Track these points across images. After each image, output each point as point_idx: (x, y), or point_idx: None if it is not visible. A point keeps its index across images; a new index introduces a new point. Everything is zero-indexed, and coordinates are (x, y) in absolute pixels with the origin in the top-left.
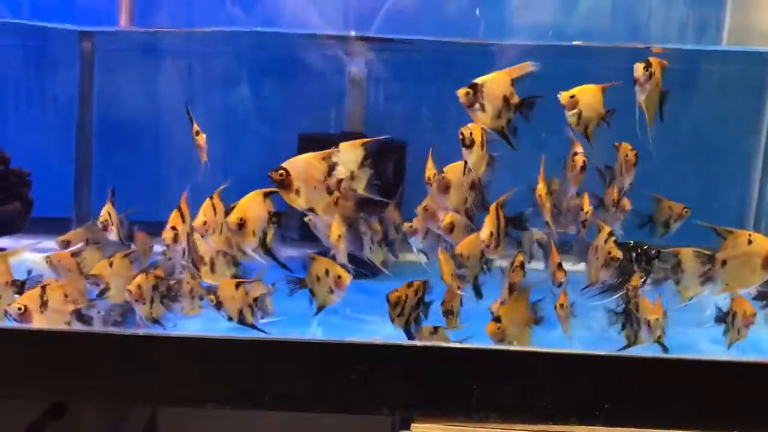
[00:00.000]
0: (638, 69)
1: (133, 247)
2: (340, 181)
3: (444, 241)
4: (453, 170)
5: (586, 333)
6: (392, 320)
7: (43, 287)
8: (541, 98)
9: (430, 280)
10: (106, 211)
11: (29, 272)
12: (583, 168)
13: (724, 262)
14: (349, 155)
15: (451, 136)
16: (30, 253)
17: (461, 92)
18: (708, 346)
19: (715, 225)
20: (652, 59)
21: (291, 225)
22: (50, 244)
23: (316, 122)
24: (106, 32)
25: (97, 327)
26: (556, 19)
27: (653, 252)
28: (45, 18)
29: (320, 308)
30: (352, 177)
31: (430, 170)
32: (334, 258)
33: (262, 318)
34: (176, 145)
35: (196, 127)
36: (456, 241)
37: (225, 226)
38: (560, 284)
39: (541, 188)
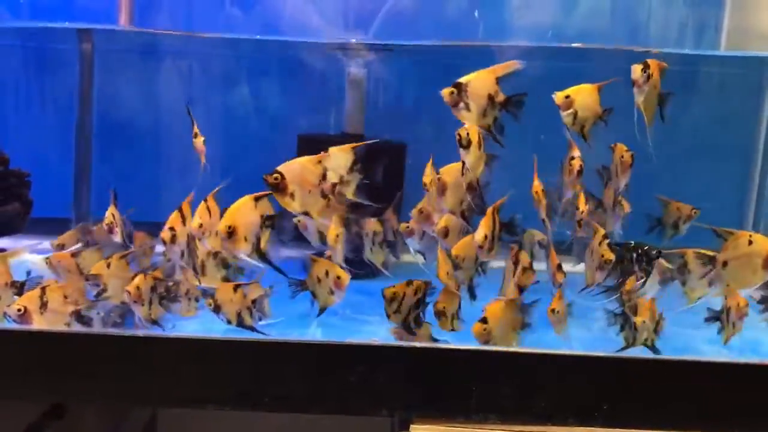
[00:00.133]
0: (636, 71)
1: (132, 248)
2: (334, 185)
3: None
4: (449, 171)
5: (585, 334)
6: (388, 316)
7: (43, 288)
8: (527, 95)
9: (431, 282)
10: (110, 213)
11: (28, 273)
12: (580, 172)
13: (725, 263)
14: (338, 160)
15: (450, 137)
16: (29, 254)
17: (445, 92)
18: (711, 347)
19: (715, 226)
20: (650, 61)
21: (286, 227)
22: (50, 245)
23: (316, 123)
24: (105, 32)
25: (97, 328)
26: (555, 20)
27: (654, 252)
28: (45, 18)
29: (322, 309)
30: (342, 181)
31: (427, 176)
32: (329, 259)
33: (260, 320)
34: (176, 146)
35: (195, 129)
36: (451, 244)
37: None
38: (560, 285)
39: (537, 185)
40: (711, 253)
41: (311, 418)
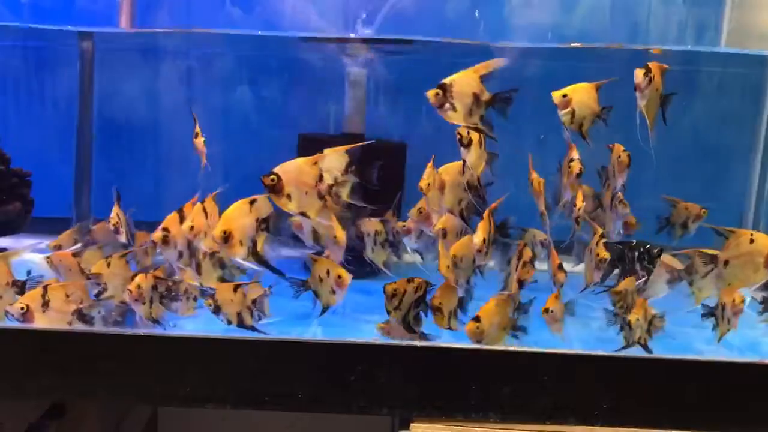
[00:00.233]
0: (638, 75)
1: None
2: (331, 186)
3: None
4: (448, 170)
5: (585, 332)
6: (388, 312)
7: (45, 287)
8: (515, 92)
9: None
10: (116, 213)
11: (29, 272)
12: (579, 175)
13: (726, 262)
14: (333, 161)
15: (451, 137)
16: (31, 254)
17: (430, 93)
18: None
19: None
20: (652, 64)
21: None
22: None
23: (317, 123)
24: (106, 32)
25: (98, 327)
26: (555, 20)
27: (655, 251)
28: (45, 18)
29: (324, 309)
30: (337, 182)
31: (424, 180)
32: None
33: (260, 319)
34: (176, 146)
35: (196, 129)
36: (449, 245)
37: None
38: (561, 285)
39: (535, 177)
40: (713, 252)
41: (312, 417)
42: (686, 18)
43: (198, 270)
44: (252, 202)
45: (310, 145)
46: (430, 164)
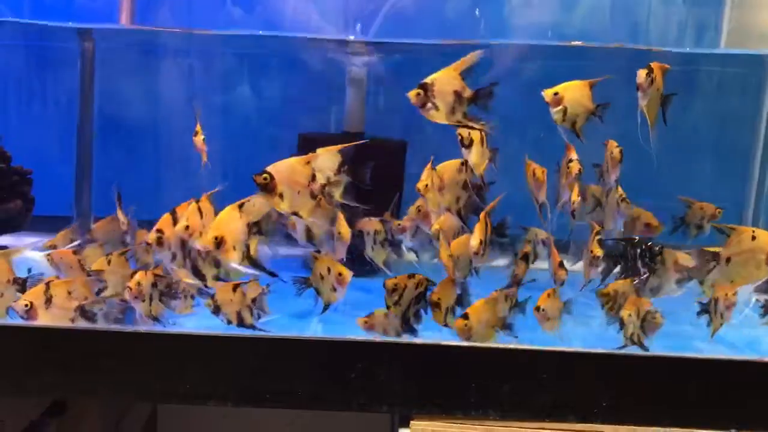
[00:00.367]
0: (641, 75)
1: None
2: (324, 186)
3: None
4: (446, 168)
5: (585, 331)
6: (388, 307)
7: (47, 284)
8: (496, 86)
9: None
10: (122, 215)
11: (29, 270)
12: (578, 176)
13: (728, 259)
14: (326, 161)
15: (451, 135)
16: (31, 251)
17: (411, 94)
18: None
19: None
20: (653, 64)
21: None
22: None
23: (317, 122)
24: (106, 31)
25: (99, 324)
26: (555, 19)
27: (657, 248)
28: (46, 17)
29: (326, 306)
30: (329, 182)
31: (422, 182)
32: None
33: (259, 318)
34: (177, 144)
35: (197, 128)
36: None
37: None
38: (562, 283)
39: (536, 168)
40: (716, 250)
41: (312, 414)
42: (686, 18)
43: (195, 270)
44: (242, 206)
45: (310, 145)
46: (428, 166)
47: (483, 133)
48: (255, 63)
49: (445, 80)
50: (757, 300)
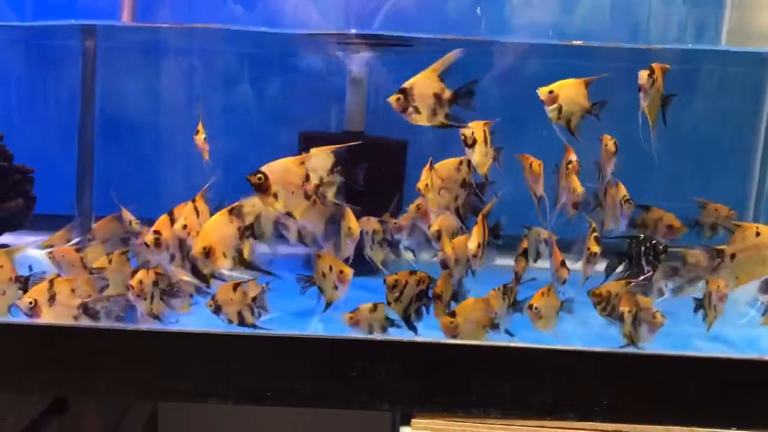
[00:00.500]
0: (642, 76)
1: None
2: (318, 186)
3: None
4: (445, 167)
5: (586, 330)
6: (388, 303)
7: (51, 281)
8: (475, 84)
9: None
10: (131, 217)
11: (30, 268)
12: (578, 172)
13: (733, 256)
14: (319, 161)
15: (453, 135)
16: (34, 250)
17: (392, 99)
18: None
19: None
20: (654, 65)
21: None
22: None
23: (318, 121)
24: (108, 29)
25: (101, 322)
26: (556, 19)
27: (661, 247)
28: (47, 15)
29: (328, 304)
30: (322, 182)
31: (422, 182)
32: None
33: (260, 316)
34: (178, 143)
35: (199, 127)
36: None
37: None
38: (564, 282)
39: (533, 161)
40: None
41: (313, 413)
42: (686, 17)
43: (194, 270)
44: (230, 212)
45: (311, 144)
46: (427, 167)
47: (486, 132)
48: (255, 61)
49: (424, 83)
50: (762, 302)
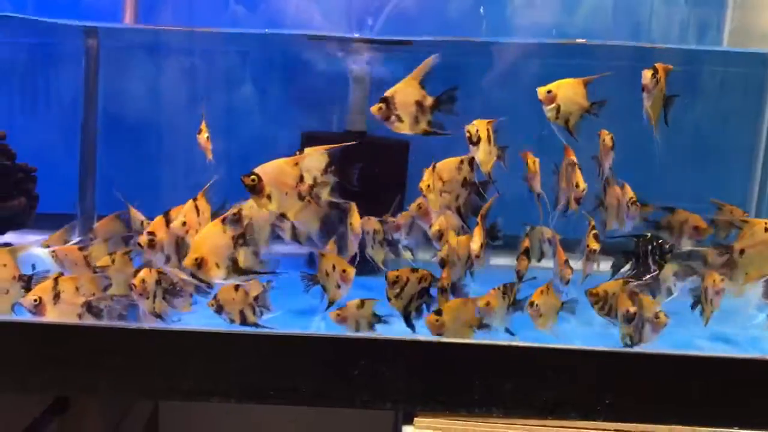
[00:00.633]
0: (646, 76)
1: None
2: (311, 187)
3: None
4: (446, 167)
5: (586, 329)
6: (389, 299)
7: (56, 279)
8: (456, 90)
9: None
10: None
11: (33, 266)
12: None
13: (742, 251)
14: (313, 162)
15: (454, 136)
16: (38, 248)
17: (374, 109)
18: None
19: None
20: (658, 65)
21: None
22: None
23: (320, 120)
24: (111, 29)
25: (104, 321)
26: (558, 19)
27: (667, 247)
28: (50, 14)
29: (331, 303)
30: (316, 183)
31: (425, 182)
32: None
33: (262, 315)
34: (181, 142)
35: (202, 126)
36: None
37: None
38: (567, 281)
39: (529, 158)
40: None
41: (315, 412)
42: (688, 17)
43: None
44: (223, 221)
45: (314, 143)
46: (429, 168)
47: (490, 130)
48: (258, 61)
49: (405, 91)
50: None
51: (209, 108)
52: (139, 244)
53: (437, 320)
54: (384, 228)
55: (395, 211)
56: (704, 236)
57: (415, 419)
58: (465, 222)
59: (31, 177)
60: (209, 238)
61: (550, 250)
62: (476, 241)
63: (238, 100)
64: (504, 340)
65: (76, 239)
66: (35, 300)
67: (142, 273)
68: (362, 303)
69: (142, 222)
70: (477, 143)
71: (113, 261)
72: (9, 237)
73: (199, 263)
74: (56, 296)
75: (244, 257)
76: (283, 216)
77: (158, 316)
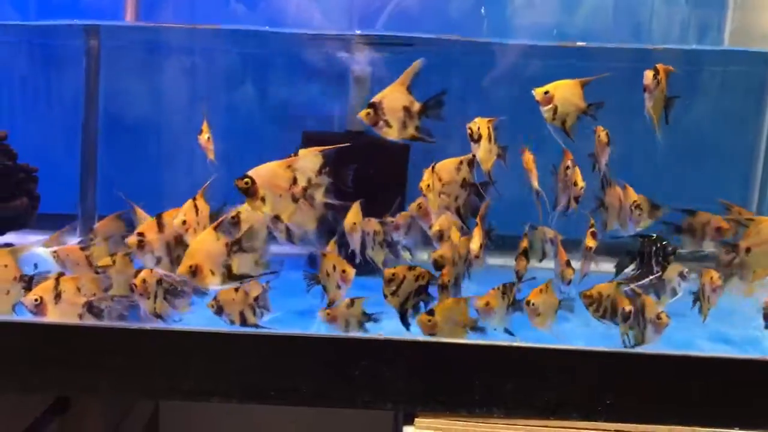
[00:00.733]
0: (648, 76)
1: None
2: (305, 189)
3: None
4: (445, 167)
5: (587, 330)
6: (385, 296)
7: (57, 279)
8: (444, 95)
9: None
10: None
11: (36, 266)
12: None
13: (748, 250)
14: (307, 163)
15: (455, 137)
16: (39, 248)
17: (362, 114)
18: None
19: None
20: (659, 66)
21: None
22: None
23: (320, 121)
24: (111, 28)
25: (105, 321)
26: (558, 19)
27: (670, 249)
28: (51, 14)
29: (330, 303)
30: (311, 184)
31: (425, 181)
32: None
33: (262, 315)
34: (182, 142)
35: (203, 126)
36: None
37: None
38: (569, 282)
39: (525, 155)
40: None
41: (316, 412)
42: (689, 18)
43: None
44: (216, 228)
45: (314, 143)
46: (429, 169)
47: (490, 128)
48: (258, 61)
49: (393, 97)
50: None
51: (210, 108)
52: (128, 245)
53: (429, 320)
54: (384, 229)
55: (395, 212)
56: (727, 236)
57: (416, 419)
58: (465, 223)
59: (32, 177)
60: (201, 248)
61: (552, 250)
62: (476, 242)
63: (237, 99)
64: (504, 341)
65: (75, 239)
66: (36, 300)
67: (143, 273)
68: (352, 302)
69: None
70: (478, 141)
71: (114, 261)
72: (11, 237)
73: (194, 271)
74: (57, 296)
75: (239, 262)
76: (277, 218)
77: (159, 316)
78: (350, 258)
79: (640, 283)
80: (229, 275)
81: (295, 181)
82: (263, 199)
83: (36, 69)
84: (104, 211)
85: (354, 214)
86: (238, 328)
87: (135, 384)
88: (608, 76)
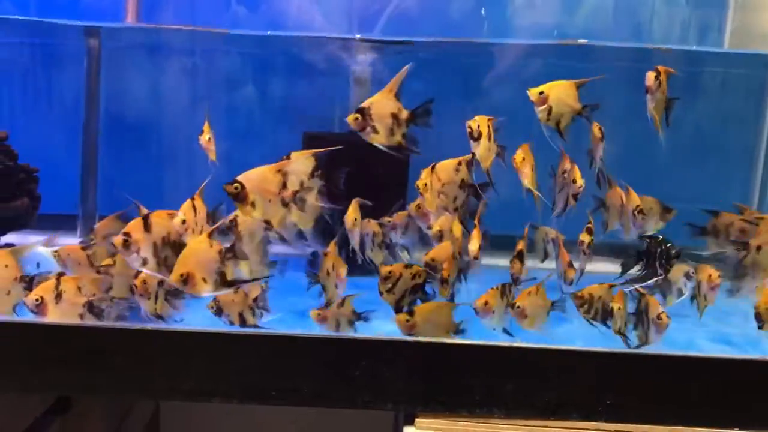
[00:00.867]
0: (650, 78)
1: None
2: (295, 193)
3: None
4: (444, 168)
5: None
6: (380, 293)
7: (58, 279)
8: (431, 103)
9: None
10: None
11: (38, 265)
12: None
13: (758, 248)
14: (299, 166)
15: (454, 136)
16: (41, 248)
17: (350, 119)
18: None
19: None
20: (660, 68)
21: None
22: (61, 240)
23: (321, 121)
24: (112, 29)
25: (105, 321)
26: (559, 20)
27: (674, 251)
28: (52, 15)
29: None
30: (303, 187)
31: (422, 180)
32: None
33: (261, 316)
34: (182, 143)
35: (204, 127)
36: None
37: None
38: (571, 282)
39: (518, 153)
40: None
41: (316, 412)
42: (689, 19)
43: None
44: (210, 235)
45: (315, 143)
46: (428, 168)
47: (491, 127)
48: (259, 62)
49: (381, 103)
50: None
51: (210, 108)
52: (113, 244)
53: (407, 320)
54: (383, 230)
55: (394, 213)
56: (747, 236)
57: (416, 420)
58: (463, 223)
59: (33, 177)
60: (194, 255)
61: (554, 250)
62: (475, 243)
63: (238, 100)
64: (505, 341)
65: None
66: (37, 300)
67: (144, 274)
68: (342, 301)
69: None
70: (478, 139)
71: (114, 262)
72: (11, 237)
73: (185, 279)
74: (58, 296)
75: (233, 268)
76: (267, 223)
77: (159, 317)
78: (351, 258)
79: (642, 285)
80: (223, 282)
81: (284, 185)
82: (253, 204)
83: (37, 70)
84: (105, 211)
85: (354, 210)
86: (238, 329)
87: (135, 384)
88: (608, 76)
